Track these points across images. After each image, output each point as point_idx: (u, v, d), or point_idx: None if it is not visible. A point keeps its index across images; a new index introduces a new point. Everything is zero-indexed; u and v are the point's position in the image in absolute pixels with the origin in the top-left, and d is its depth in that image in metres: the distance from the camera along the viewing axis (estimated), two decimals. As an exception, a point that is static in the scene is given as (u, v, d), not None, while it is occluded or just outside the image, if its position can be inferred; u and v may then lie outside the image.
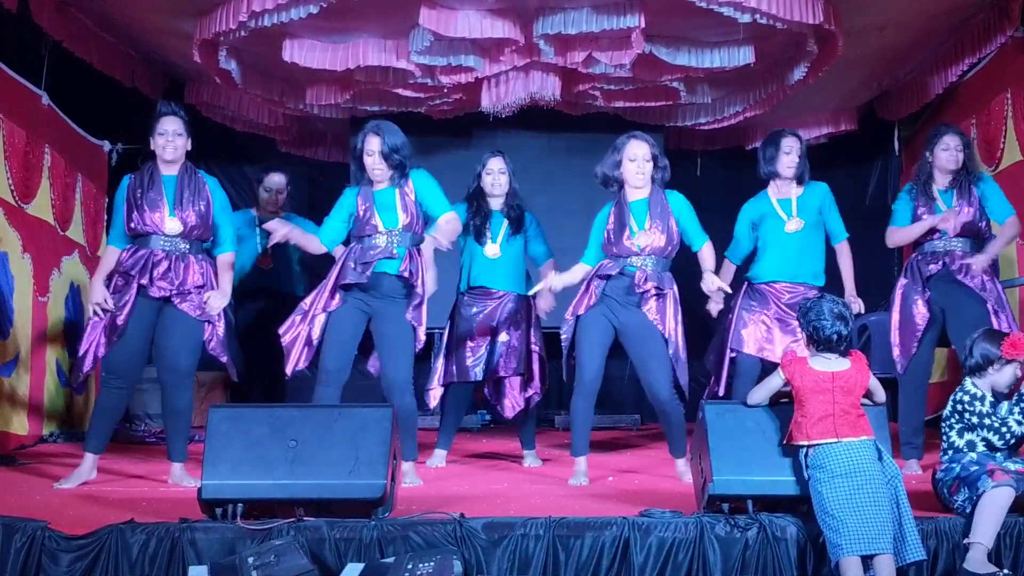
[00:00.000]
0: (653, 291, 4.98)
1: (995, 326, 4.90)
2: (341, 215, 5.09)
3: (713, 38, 6.51)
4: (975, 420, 4.05)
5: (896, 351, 5.35)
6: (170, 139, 4.95)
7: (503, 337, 5.65)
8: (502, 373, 5.65)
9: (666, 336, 5.00)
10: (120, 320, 4.83)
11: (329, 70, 6.63)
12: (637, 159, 5.06)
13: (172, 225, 4.88)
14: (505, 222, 5.72)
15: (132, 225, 4.92)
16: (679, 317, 5.06)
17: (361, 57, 6.54)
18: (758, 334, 5.32)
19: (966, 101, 7.35)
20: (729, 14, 5.76)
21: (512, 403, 5.73)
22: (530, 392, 5.71)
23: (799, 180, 5.44)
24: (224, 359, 5.03)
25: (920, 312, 5.21)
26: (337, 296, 4.93)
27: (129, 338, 4.86)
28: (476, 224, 5.69)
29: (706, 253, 5.15)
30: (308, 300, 5.00)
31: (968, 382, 4.12)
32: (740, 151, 8.61)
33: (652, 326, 4.99)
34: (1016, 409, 4.03)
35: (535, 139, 8.27)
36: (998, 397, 4.08)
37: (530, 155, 8.28)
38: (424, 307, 4.94)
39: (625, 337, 5.09)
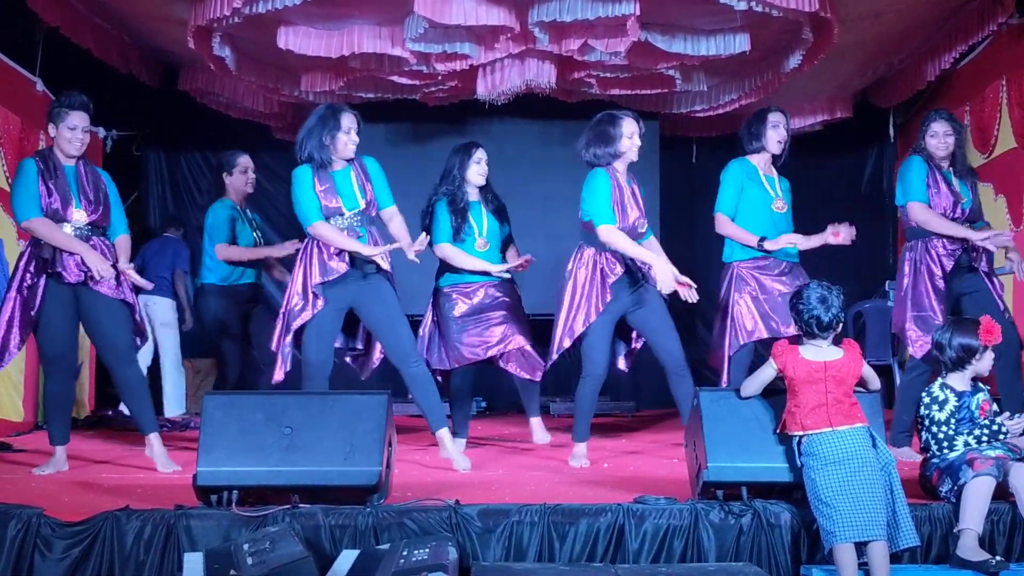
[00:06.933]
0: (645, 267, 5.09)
1: (1000, 306, 4.92)
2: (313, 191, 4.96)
3: (709, 26, 6.49)
4: (926, 423, 4.10)
5: (912, 334, 5.12)
6: (79, 135, 4.91)
7: (503, 318, 5.59)
8: (514, 346, 5.57)
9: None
10: (33, 312, 4.83)
11: (324, 57, 6.61)
12: (634, 135, 5.16)
13: (79, 216, 4.87)
14: (485, 212, 5.66)
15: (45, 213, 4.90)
16: None
17: (356, 44, 6.51)
18: (755, 313, 5.24)
19: (960, 88, 7.35)
20: (725, 1, 5.75)
21: (532, 364, 5.64)
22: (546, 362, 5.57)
23: (776, 162, 5.48)
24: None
25: (938, 307, 5.06)
26: (320, 298, 4.86)
27: (50, 324, 4.86)
28: (458, 221, 5.58)
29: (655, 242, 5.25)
30: (284, 309, 4.93)
31: (936, 385, 4.14)
32: (735, 138, 8.47)
33: (656, 295, 5.09)
34: (976, 432, 4.02)
35: (530, 126, 8.26)
36: (977, 386, 4.13)
37: (525, 142, 8.29)
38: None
39: (635, 314, 5.13)
